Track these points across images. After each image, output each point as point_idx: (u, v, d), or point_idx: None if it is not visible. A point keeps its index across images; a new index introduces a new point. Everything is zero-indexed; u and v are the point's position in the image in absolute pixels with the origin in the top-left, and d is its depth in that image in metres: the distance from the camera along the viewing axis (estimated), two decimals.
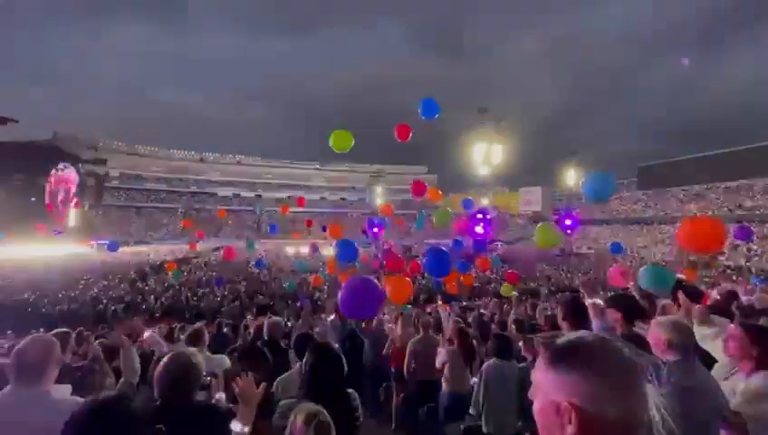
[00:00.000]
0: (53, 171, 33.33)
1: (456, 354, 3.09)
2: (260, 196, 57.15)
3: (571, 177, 40.61)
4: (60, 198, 33.85)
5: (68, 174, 35.08)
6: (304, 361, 1.61)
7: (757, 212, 30.13)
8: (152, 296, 12.79)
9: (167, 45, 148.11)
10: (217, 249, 30.37)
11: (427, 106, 5.77)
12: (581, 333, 0.63)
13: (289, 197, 57.45)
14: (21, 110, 29.66)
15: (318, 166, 62.30)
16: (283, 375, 2.10)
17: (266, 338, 3.08)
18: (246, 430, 1.29)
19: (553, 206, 44.86)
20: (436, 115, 5.85)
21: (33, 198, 32.10)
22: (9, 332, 6.70)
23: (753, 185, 32.68)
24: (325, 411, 1.26)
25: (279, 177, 59.59)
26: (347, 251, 5.10)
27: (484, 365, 2.68)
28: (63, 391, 1.56)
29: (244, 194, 56.98)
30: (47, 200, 32.69)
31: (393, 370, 3.76)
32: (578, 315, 2.12)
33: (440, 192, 11.62)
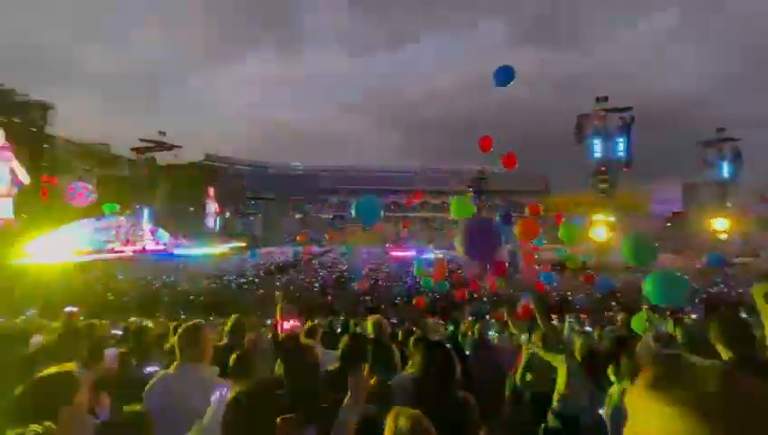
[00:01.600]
0: (206, 186, 40.67)
1: (575, 370, 2.77)
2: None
3: (726, 169, 33.02)
4: (211, 207, 41.11)
5: (214, 188, 42.35)
6: (414, 359, 1.62)
7: None
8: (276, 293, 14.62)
9: (283, 71, 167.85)
10: (326, 252, 33.28)
11: (502, 74, 5.25)
12: (706, 360, 0.50)
13: (393, 202, 59.58)
14: (178, 137, 37.24)
15: (418, 171, 63.29)
16: (399, 375, 2.18)
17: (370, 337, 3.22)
18: (354, 420, 1.36)
19: (698, 203, 37.09)
20: (511, 83, 5.33)
21: (191, 208, 39.71)
22: (182, 316, 8.36)
23: None
24: (426, 418, 1.24)
25: (381, 182, 62.21)
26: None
27: (622, 391, 2.25)
28: (213, 371, 1.87)
29: (350, 201, 61.10)
30: (203, 209, 40.07)
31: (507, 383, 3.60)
32: (733, 337, 1.65)
33: (535, 222, 10.47)
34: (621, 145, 30.12)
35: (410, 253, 27.24)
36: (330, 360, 2.46)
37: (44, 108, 22.14)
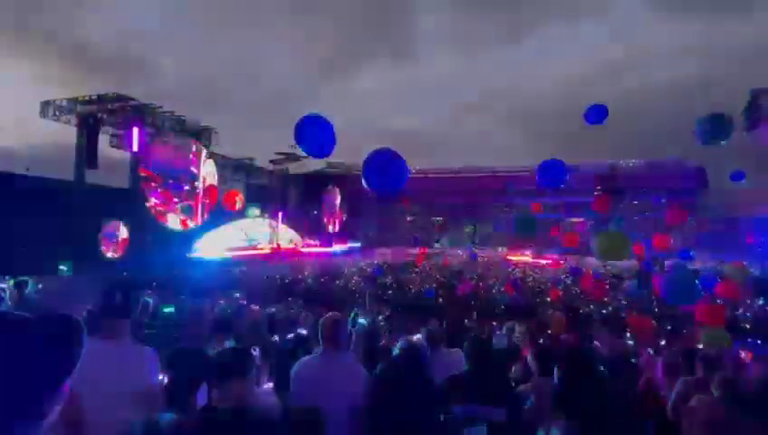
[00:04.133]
0: (326, 191, 44.94)
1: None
2: (476, 203, 58.88)
3: None
4: (329, 210, 45.24)
5: (334, 192, 46.45)
6: (557, 375, 1.56)
7: None
8: (389, 292, 15.25)
9: (398, 80, 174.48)
10: (436, 254, 33.43)
11: (594, 113, 5.38)
12: None
13: (506, 204, 56.51)
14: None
15: (531, 170, 58.68)
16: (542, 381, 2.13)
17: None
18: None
19: None
20: (605, 120, 5.47)
21: (315, 211, 44.37)
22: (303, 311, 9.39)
23: None
24: None
25: (496, 183, 59.56)
26: None
27: None
28: (351, 357, 2.08)
29: (462, 202, 60.09)
30: (323, 212, 44.38)
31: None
32: None
33: None
34: None
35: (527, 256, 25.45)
36: (451, 360, 2.51)
37: (210, 131, 27.49)
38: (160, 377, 1.63)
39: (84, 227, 15.64)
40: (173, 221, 19.68)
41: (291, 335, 3.47)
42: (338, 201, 46.40)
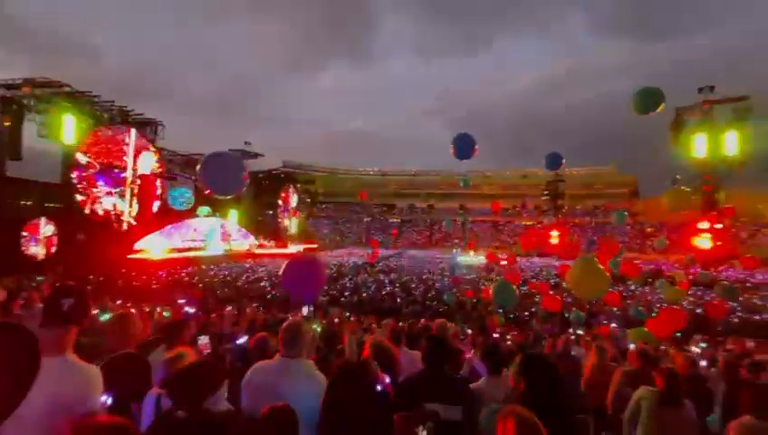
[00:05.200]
0: (283, 191, 43.72)
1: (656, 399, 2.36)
2: (432, 206, 60.23)
3: None
4: (285, 211, 44.06)
5: (290, 193, 45.30)
6: (516, 371, 1.60)
7: None
8: (346, 293, 15.11)
9: (356, 81, 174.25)
10: (397, 254, 33.71)
11: (552, 159, 5.25)
12: None
13: (461, 206, 58.35)
14: (261, 146, 40.29)
15: (487, 173, 61.08)
16: (492, 380, 2.18)
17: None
18: None
19: None
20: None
21: (270, 211, 42.97)
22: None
23: None
24: (536, 419, 1.23)
25: (451, 186, 61.28)
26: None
27: (734, 426, 1.93)
28: (310, 365, 1.97)
29: (419, 205, 61.20)
30: (278, 213, 43.10)
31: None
32: None
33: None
34: (732, 141, 25.86)
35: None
36: (412, 359, 2.51)
37: (155, 124, 25.70)
38: (103, 398, 1.43)
39: (6, 226, 13.91)
40: (107, 203, 18.58)
41: (242, 340, 3.31)
42: (294, 201, 45.53)
